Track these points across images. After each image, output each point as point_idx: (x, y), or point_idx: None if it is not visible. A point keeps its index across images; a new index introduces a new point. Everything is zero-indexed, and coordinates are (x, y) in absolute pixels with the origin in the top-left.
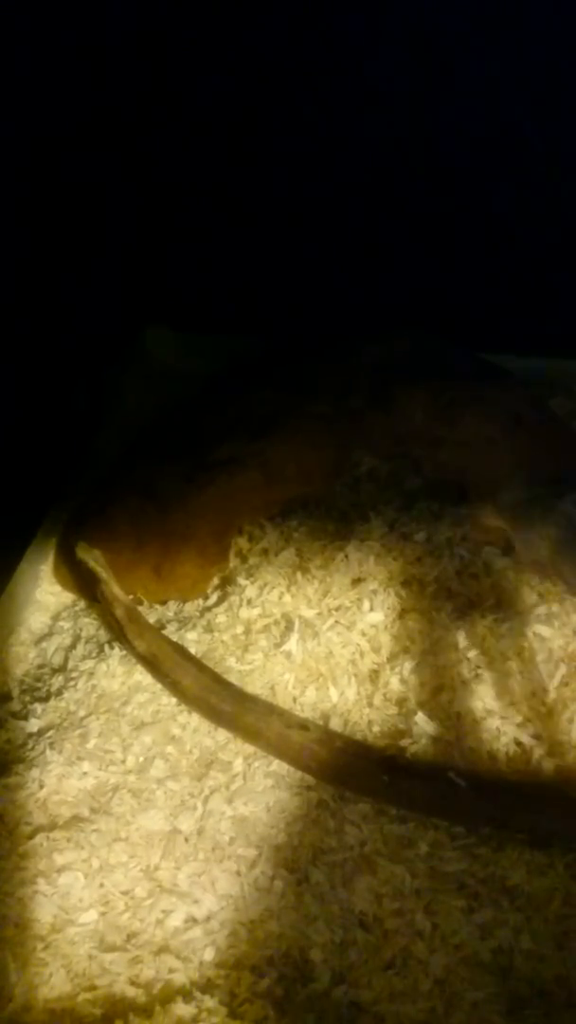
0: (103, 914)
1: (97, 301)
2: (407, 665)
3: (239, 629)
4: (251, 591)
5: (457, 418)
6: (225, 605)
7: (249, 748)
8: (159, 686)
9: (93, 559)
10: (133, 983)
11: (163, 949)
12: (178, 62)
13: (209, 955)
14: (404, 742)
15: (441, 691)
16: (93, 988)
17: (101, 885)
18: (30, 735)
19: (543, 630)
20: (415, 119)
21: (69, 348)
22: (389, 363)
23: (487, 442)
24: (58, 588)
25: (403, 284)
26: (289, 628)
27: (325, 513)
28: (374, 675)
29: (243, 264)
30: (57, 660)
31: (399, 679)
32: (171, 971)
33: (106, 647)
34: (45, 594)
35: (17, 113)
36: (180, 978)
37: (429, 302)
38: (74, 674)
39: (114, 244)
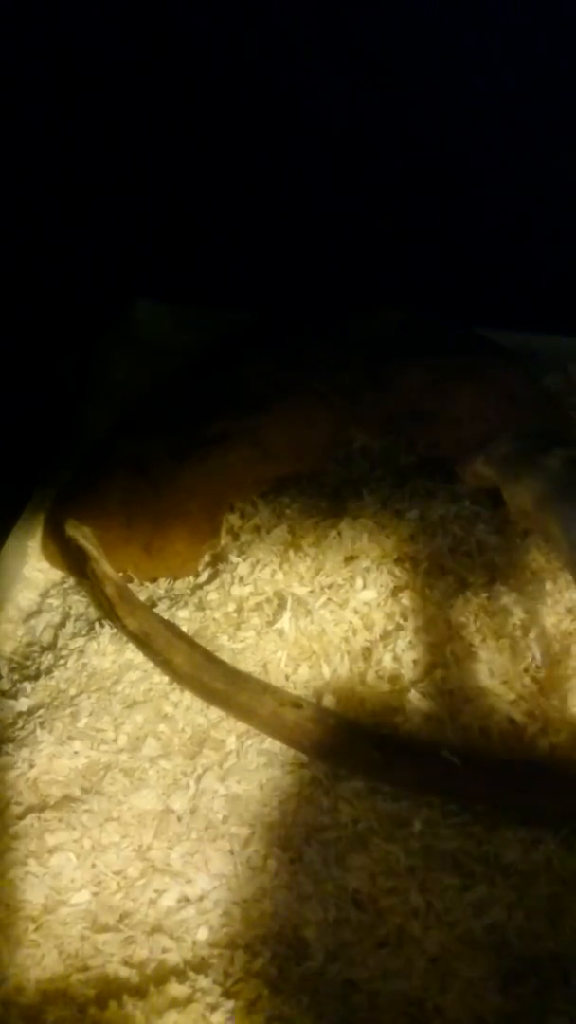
0: (95, 894)
1: (85, 273)
2: (400, 643)
3: (231, 607)
4: (243, 569)
5: (451, 395)
6: (217, 583)
7: (242, 726)
8: (151, 664)
9: (83, 536)
10: (126, 963)
11: (156, 929)
12: (173, 33)
13: (202, 935)
14: (397, 720)
15: (434, 669)
16: (86, 969)
17: (93, 865)
18: (19, 714)
19: (537, 608)
20: (411, 92)
21: (56, 321)
22: (383, 339)
23: (481, 419)
24: (46, 565)
25: (398, 258)
26: (281, 606)
27: (318, 490)
28: (367, 653)
29: (235, 236)
30: (46, 638)
31: (392, 657)
32: (164, 951)
33: (96, 625)
34: (33, 571)
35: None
36: (173, 958)
37: (423, 277)
38: (64, 652)
39: (103, 214)
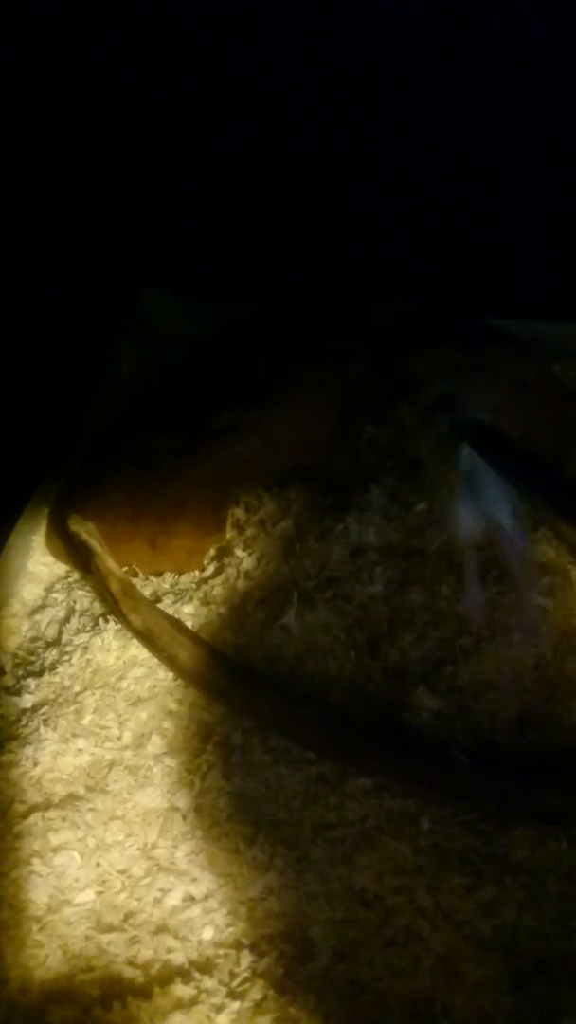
0: (100, 894)
1: (89, 262)
2: (407, 638)
3: (236, 602)
4: (248, 563)
5: (461, 385)
6: (222, 577)
7: (247, 723)
8: (155, 661)
9: (87, 531)
10: (131, 963)
11: (161, 929)
12: (180, 20)
13: (208, 934)
14: (405, 716)
15: (443, 664)
16: (91, 969)
17: (97, 864)
18: (24, 711)
19: (546, 602)
20: (417, 80)
21: (60, 312)
22: (391, 328)
23: (492, 410)
24: (51, 559)
25: (406, 247)
26: (287, 600)
27: (324, 483)
28: (374, 648)
29: (242, 225)
30: (51, 633)
31: (399, 652)
32: (169, 951)
33: (101, 620)
34: (38, 565)
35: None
36: (179, 958)
37: (432, 266)
38: (68, 648)
39: (108, 202)
